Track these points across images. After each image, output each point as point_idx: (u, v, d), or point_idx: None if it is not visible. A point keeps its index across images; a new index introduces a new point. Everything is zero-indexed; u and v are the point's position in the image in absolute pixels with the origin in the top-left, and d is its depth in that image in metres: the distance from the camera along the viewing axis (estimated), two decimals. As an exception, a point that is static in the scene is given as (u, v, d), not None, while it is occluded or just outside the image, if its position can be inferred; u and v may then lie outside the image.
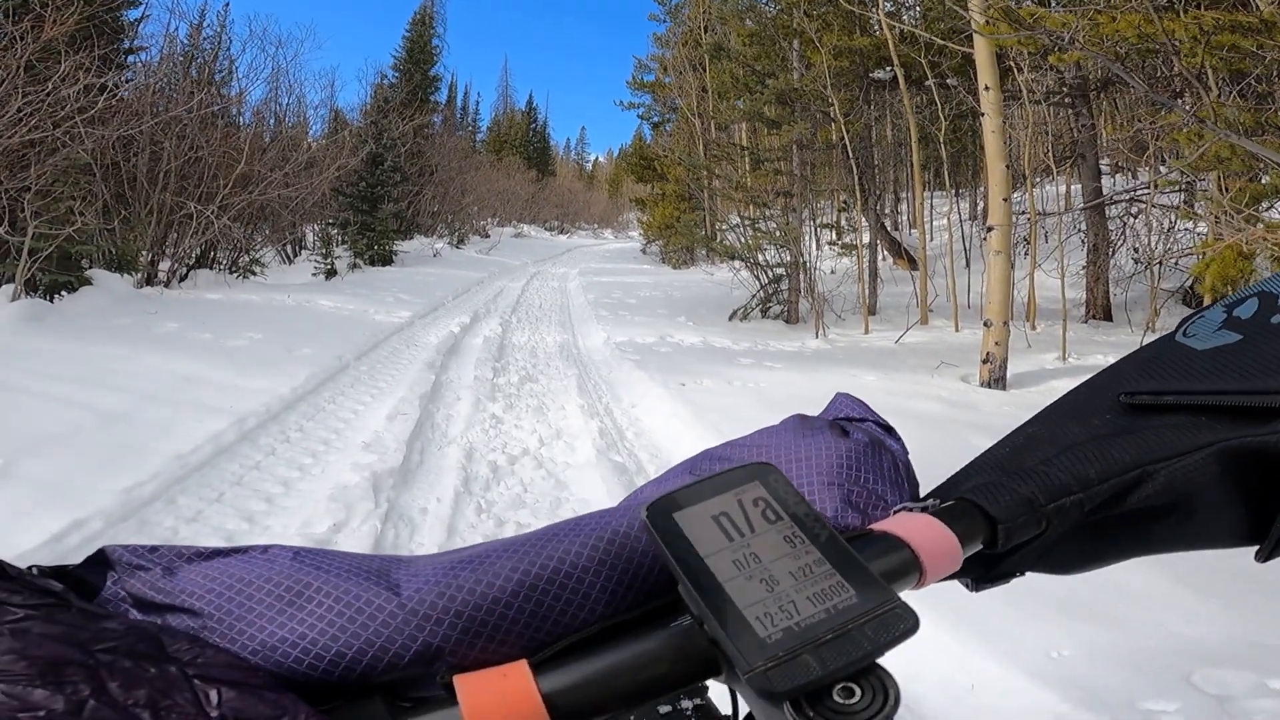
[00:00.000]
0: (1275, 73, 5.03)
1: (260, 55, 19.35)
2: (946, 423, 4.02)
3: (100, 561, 0.32)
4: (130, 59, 12.18)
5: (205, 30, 16.05)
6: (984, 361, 5.18)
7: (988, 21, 5.16)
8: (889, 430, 0.45)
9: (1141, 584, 2.21)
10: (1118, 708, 1.69)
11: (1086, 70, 7.71)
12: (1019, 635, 1.98)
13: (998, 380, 5.11)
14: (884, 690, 0.28)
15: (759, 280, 8.96)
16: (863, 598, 0.30)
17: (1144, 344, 0.48)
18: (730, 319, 8.61)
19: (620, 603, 0.34)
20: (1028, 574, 0.42)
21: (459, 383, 5.12)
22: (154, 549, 0.32)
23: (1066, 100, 8.15)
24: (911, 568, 0.35)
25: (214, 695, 0.26)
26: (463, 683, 0.29)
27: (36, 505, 2.65)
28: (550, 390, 5.01)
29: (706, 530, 0.32)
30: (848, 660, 0.28)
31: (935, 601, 2.14)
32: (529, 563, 0.33)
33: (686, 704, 0.85)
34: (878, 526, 0.37)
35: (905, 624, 0.29)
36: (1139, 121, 6.70)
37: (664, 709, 0.83)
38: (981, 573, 0.41)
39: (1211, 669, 1.82)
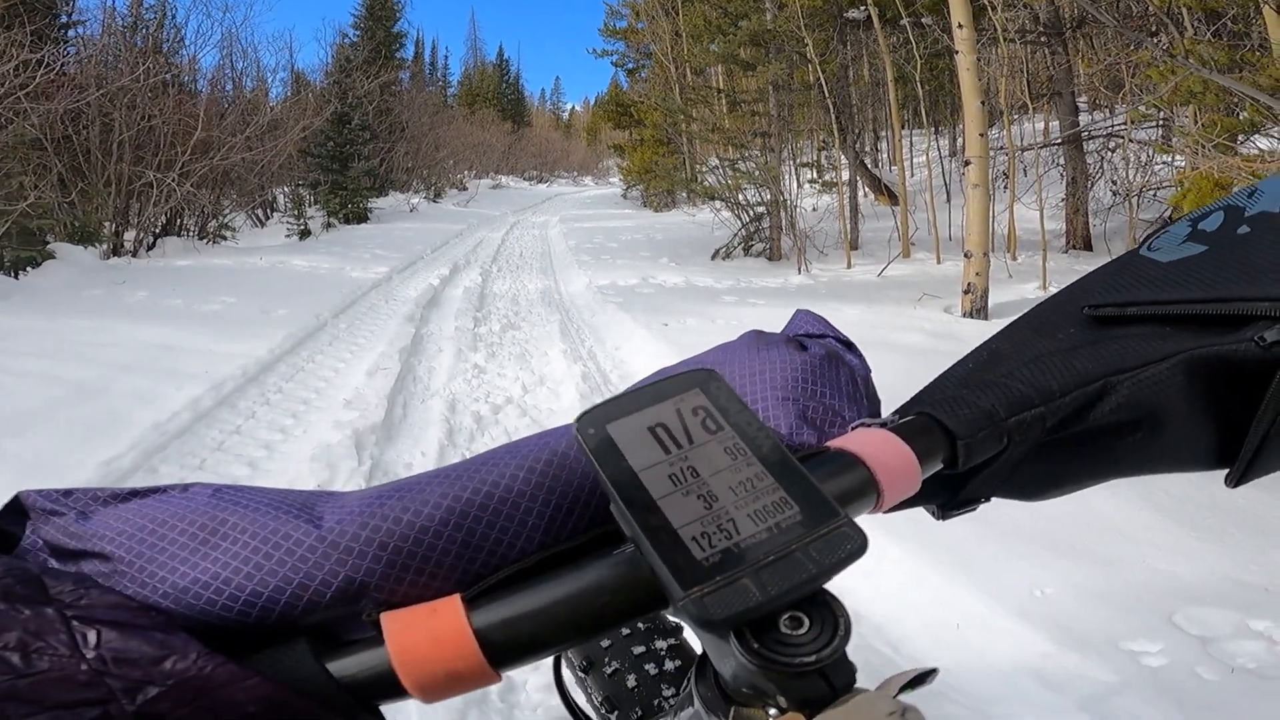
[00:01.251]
0: (1252, 10, 4.97)
1: (207, 21, 18.48)
2: (929, 353, 4.03)
3: (18, 510, 0.30)
4: (70, 33, 11.80)
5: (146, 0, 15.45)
6: (965, 292, 5.19)
7: None
8: (849, 346, 0.43)
9: (1124, 519, 2.21)
10: (1100, 648, 1.70)
11: (1060, 5, 7.57)
12: (1003, 572, 1.98)
13: (979, 310, 5.13)
14: (834, 620, 0.26)
15: (740, 219, 8.87)
16: (807, 515, 0.28)
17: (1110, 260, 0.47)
18: (713, 258, 8.55)
19: (560, 530, 0.31)
20: (1002, 506, 0.40)
21: (440, 334, 5.07)
22: (68, 493, 0.30)
23: (1041, 39, 8.02)
24: (868, 488, 0.32)
25: (93, 637, 0.24)
26: (390, 620, 0.27)
27: (15, 483, 2.61)
28: (533, 337, 4.97)
29: (642, 441, 0.29)
30: (791, 585, 0.26)
31: (920, 536, 2.15)
32: (460, 488, 0.30)
33: (661, 644, 0.84)
34: (834, 443, 0.34)
35: (852, 544, 0.27)
36: (1115, 55, 6.60)
37: (638, 649, 0.82)
38: (946, 498, 0.39)
39: (1194, 608, 1.82)
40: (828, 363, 0.40)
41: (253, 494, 0.31)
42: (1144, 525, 2.18)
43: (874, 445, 0.33)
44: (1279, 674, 1.60)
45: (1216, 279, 0.39)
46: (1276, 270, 0.38)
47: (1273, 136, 4.88)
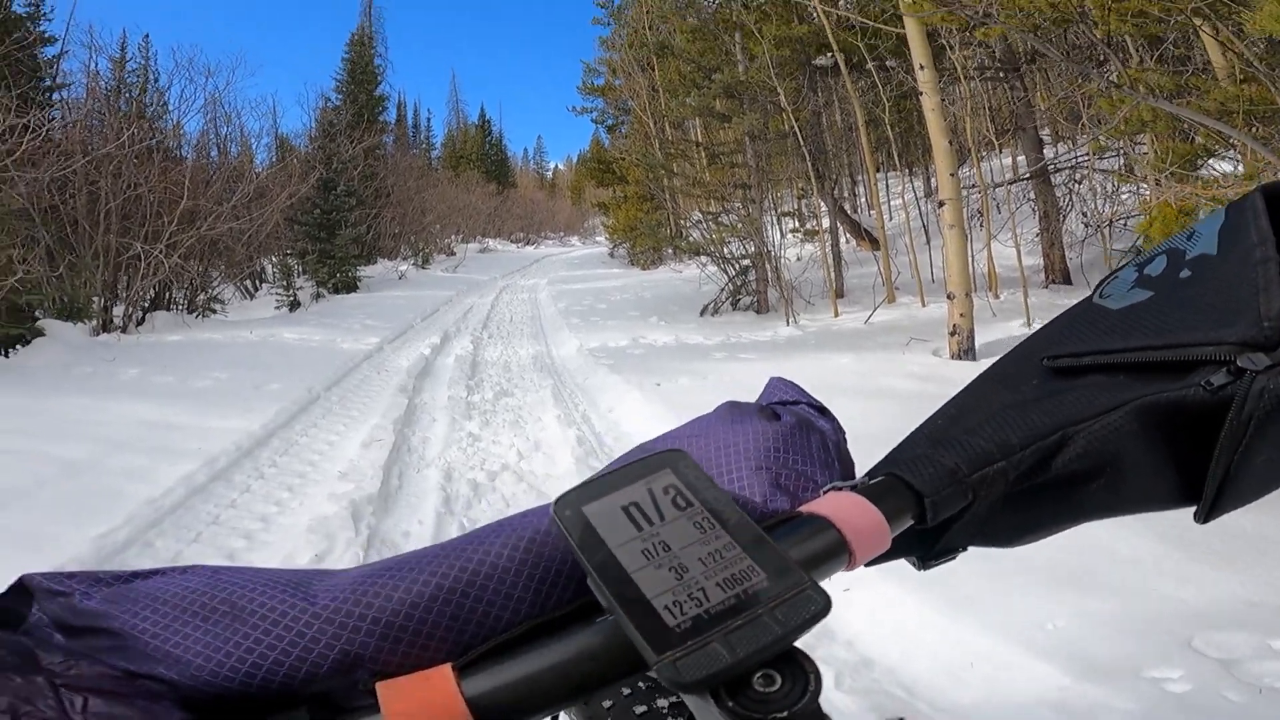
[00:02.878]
0: (1192, 34, 5.12)
1: (190, 86, 18.85)
2: (919, 398, 4.07)
3: (23, 591, 0.32)
4: (55, 96, 11.90)
5: (129, 64, 15.72)
6: (951, 334, 5.26)
7: (914, 0, 5.21)
8: (822, 411, 0.45)
9: (1127, 548, 2.21)
10: (1121, 677, 1.68)
11: (1014, 43, 7.84)
12: (1011, 608, 1.97)
13: (966, 351, 5.19)
14: (804, 676, 0.28)
15: (726, 273, 9.00)
16: (773, 581, 0.30)
17: (1068, 307, 0.49)
18: (701, 314, 8.63)
19: (545, 601, 0.34)
20: (980, 549, 0.42)
21: (433, 404, 5.07)
22: (72, 575, 0.32)
23: (1000, 75, 8.29)
24: (839, 549, 0.34)
25: (79, 702, 0.27)
26: (385, 688, 0.29)
27: (5, 558, 2.57)
28: (526, 403, 4.98)
29: (615, 521, 0.32)
30: (758, 646, 0.28)
31: (922, 580, 2.14)
32: (448, 566, 0.33)
33: (662, 702, 0.84)
34: (805, 508, 0.37)
35: (816, 605, 0.29)
36: (1067, 89, 6.78)
37: (640, 709, 0.82)
38: (924, 550, 0.40)
39: (1212, 632, 1.81)
40: (799, 430, 0.42)
41: (250, 574, 0.33)
42: (1148, 553, 2.18)
43: (844, 508, 0.36)
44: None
45: (1162, 325, 0.40)
46: (1216, 312, 0.39)
47: (1230, 159, 4.98)
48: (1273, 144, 3.66)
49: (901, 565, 0.41)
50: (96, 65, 13.69)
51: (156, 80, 15.84)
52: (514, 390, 5.42)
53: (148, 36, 20.56)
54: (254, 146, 17.53)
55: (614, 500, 0.33)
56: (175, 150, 12.65)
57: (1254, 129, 3.84)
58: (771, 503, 0.38)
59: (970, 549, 0.42)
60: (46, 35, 13.37)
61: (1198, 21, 4.36)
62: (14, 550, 2.62)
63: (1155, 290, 0.44)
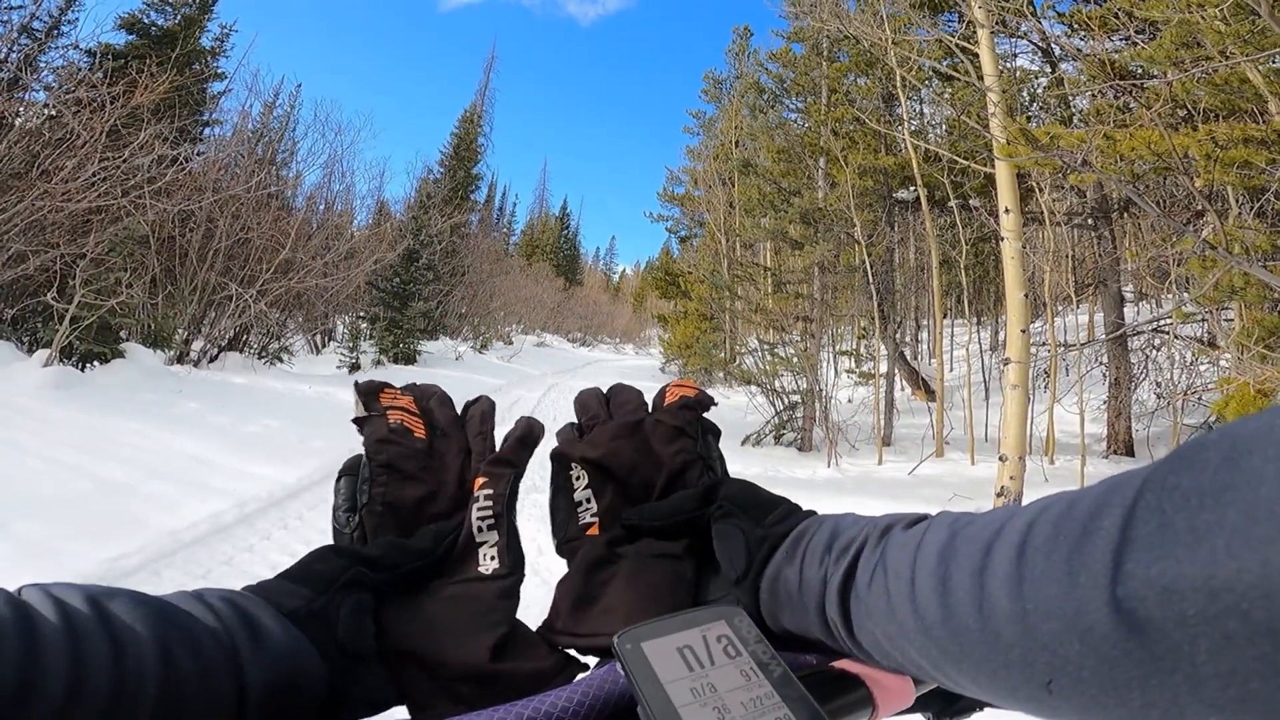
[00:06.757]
0: None
1: (320, 140, 20.41)
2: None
3: None
4: (205, 131, 12.88)
5: (276, 109, 16.89)
6: (998, 495, 5.06)
7: (1008, 141, 5.12)
8: None
9: None
10: None
11: (1107, 190, 7.55)
12: None
13: (1011, 516, 4.94)
14: None
15: (774, 406, 8.92)
16: None
17: None
18: (743, 444, 8.53)
19: None
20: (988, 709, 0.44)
21: (463, 486, 5.08)
22: None
23: (1088, 222, 8.05)
24: (865, 703, 0.38)
25: None
26: None
27: (15, 564, 2.63)
28: (555, 501, 4.94)
29: (670, 660, 0.36)
30: None
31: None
32: (521, 709, 0.36)
33: None
34: (838, 664, 0.40)
35: None
36: (1158, 246, 6.49)
37: None
38: (942, 707, 0.43)
39: None
40: None
41: None
42: None
43: (875, 667, 0.39)
44: None
45: None
46: None
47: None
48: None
49: None
50: (250, 108, 14.88)
51: (294, 129, 16.97)
52: (545, 488, 5.37)
53: (300, 87, 22.37)
54: (356, 207, 18.48)
55: (671, 641, 0.37)
56: (290, 200, 13.35)
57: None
58: (802, 655, 0.42)
59: (987, 709, 0.44)
60: (220, 71, 14.64)
61: (1305, 174, 4.18)
62: (24, 560, 2.69)
63: None
